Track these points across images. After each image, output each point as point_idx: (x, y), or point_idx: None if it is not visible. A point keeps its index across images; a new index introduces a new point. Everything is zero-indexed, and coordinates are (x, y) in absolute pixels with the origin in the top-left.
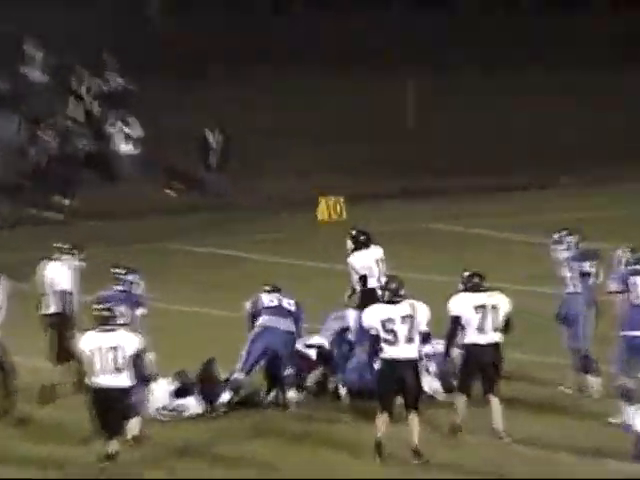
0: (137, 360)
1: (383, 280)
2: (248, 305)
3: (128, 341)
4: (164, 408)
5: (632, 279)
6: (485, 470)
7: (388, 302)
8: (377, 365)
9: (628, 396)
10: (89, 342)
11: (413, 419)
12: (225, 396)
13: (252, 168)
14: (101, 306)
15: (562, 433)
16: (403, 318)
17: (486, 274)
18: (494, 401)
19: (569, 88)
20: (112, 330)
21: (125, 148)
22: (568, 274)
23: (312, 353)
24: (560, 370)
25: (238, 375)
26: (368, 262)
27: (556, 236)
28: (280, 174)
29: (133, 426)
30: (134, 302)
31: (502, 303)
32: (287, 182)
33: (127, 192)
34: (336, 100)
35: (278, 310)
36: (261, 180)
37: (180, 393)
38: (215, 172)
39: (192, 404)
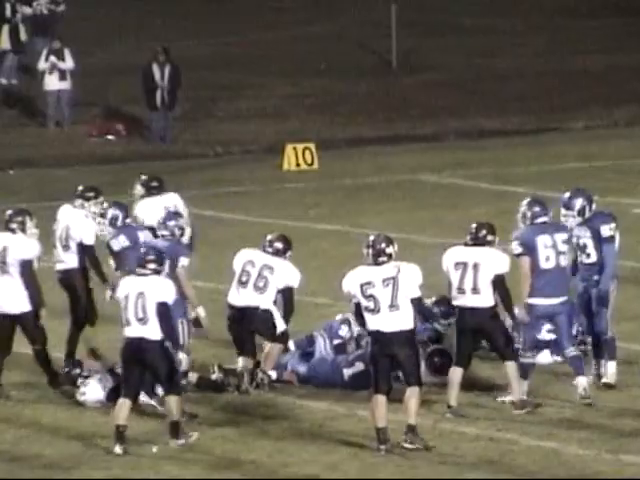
0: (163, 311)
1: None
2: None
3: (156, 288)
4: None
5: (535, 239)
6: (485, 465)
7: (371, 264)
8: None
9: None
10: (122, 288)
11: (411, 395)
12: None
13: (205, 108)
14: (142, 249)
15: (571, 426)
16: (385, 281)
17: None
18: (507, 367)
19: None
20: (144, 275)
21: (55, 84)
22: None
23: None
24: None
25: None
26: (156, 210)
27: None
28: (238, 115)
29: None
30: (177, 251)
31: (489, 262)
32: (247, 124)
33: (55, 136)
34: (307, 28)
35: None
36: (216, 122)
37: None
38: (162, 113)
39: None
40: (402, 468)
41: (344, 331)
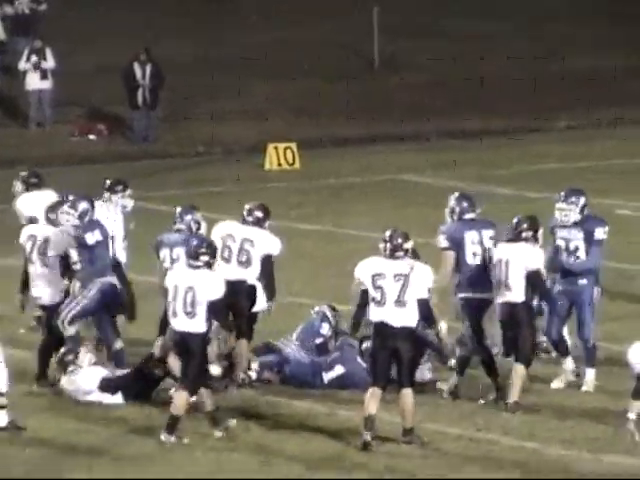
0: (215, 309)
1: None
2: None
3: (206, 284)
4: (86, 393)
5: (463, 234)
6: (469, 464)
7: (387, 257)
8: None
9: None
10: (171, 277)
11: (405, 397)
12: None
13: (186, 107)
14: (194, 241)
15: (553, 426)
16: (396, 276)
17: None
18: (514, 368)
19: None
20: (196, 268)
21: (37, 84)
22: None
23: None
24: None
25: None
26: (35, 205)
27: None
28: (220, 115)
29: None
30: None
31: (519, 257)
32: (229, 125)
33: (37, 137)
34: (289, 28)
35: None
36: (197, 122)
37: (105, 388)
38: (144, 112)
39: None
40: (392, 462)
41: (325, 329)
